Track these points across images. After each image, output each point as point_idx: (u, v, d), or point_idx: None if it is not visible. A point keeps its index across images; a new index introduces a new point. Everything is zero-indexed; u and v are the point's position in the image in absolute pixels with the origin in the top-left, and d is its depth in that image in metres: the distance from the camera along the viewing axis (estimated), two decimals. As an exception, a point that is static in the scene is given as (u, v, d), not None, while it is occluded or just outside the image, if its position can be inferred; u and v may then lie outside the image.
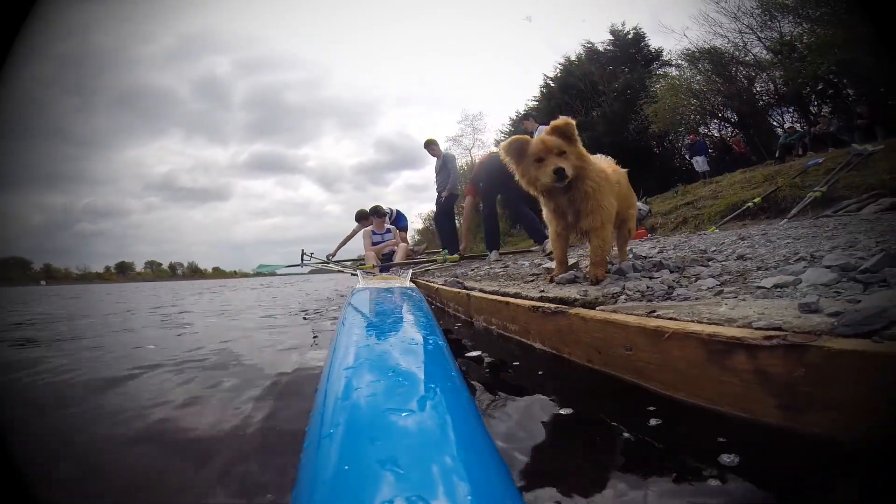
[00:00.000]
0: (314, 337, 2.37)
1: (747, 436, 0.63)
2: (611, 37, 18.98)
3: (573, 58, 19.87)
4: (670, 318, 0.86)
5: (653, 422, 0.73)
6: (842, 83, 11.54)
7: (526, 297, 1.72)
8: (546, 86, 20.50)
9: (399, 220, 7.04)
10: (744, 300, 0.93)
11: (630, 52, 18.40)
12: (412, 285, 3.13)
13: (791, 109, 13.42)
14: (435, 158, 6.51)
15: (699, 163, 12.50)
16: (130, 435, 1.03)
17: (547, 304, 1.35)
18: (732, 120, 15.14)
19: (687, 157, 14.46)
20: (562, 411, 0.87)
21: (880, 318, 0.54)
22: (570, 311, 1.18)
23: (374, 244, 5.89)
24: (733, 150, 13.68)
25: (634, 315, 0.94)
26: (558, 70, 20.17)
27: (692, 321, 0.80)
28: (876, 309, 0.56)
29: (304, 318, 3.24)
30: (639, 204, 9.13)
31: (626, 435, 0.72)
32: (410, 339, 1.12)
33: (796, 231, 2.77)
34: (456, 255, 5.76)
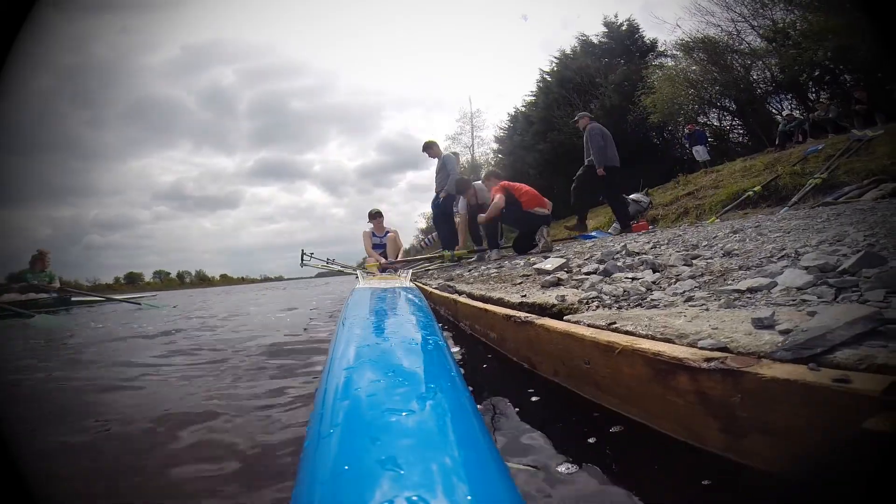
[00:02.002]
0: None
1: (690, 460, 0.61)
2: (605, 29, 18.84)
3: (568, 51, 19.75)
4: (626, 332, 0.82)
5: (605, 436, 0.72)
6: (839, 69, 11.36)
7: (506, 304, 1.69)
8: (542, 80, 20.38)
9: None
10: (707, 310, 0.89)
11: (625, 43, 18.25)
12: (412, 285, 3.13)
13: (789, 96, 13.27)
14: (435, 160, 6.48)
15: (699, 152, 12.37)
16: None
17: (518, 314, 1.32)
18: (731, 109, 15.00)
19: (687, 146, 14.31)
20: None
21: (822, 342, 0.50)
22: (538, 321, 1.15)
23: (373, 246, 5.97)
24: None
25: (592, 327, 0.91)
26: (554, 64, 20.05)
27: (646, 336, 0.76)
28: (820, 330, 0.52)
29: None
30: (640, 196, 9.12)
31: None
32: (410, 338, 1.12)
33: (789, 223, 2.71)
34: (459, 252, 5.79)
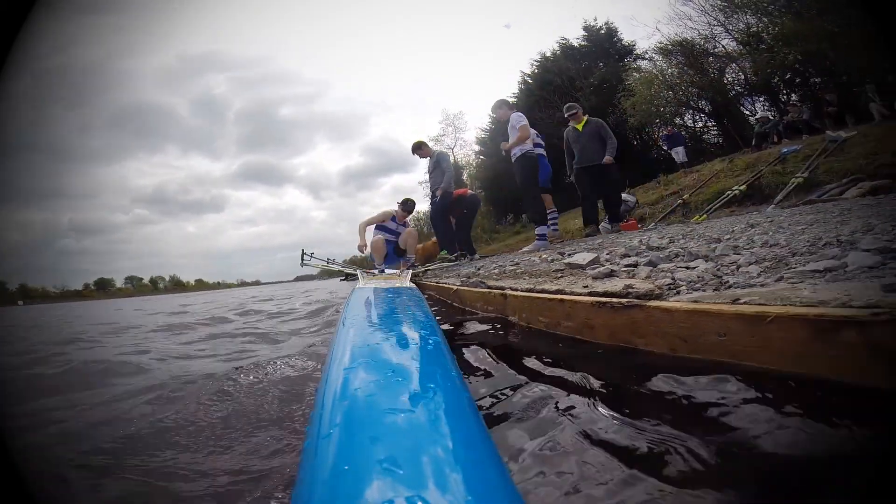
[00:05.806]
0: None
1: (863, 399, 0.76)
2: (584, 33, 19.41)
3: (549, 54, 20.24)
4: (761, 304, 0.99)
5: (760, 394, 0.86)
6: (808, 72, 12.11)
7: (574, 294, 1.84)
8: (524, 82, 20.81)
9: None
10: (816, 284, 1.07)
11: (604, 46, 18.84)
12: (412, 285, 3.18)
13: (762, 98, 14.02)
14: (426, 160, 6.55)
15: (679, 154, 12.91)
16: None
17: (615, 300, 1.48)
18: (706, 110, 15.68)
19: (664, 148, 14.88)
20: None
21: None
22: (648, 303, 1.31)
23: (385, 231, 5.79)
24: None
25: (725, 303, 1.07)
26: (535, 66, 20.51)
27: (787, 305, 0.93)
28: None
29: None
30: (625, 195, 9.45)
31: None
32: (410, 338, 1.16)
33: (804, 217, 2.96)
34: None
